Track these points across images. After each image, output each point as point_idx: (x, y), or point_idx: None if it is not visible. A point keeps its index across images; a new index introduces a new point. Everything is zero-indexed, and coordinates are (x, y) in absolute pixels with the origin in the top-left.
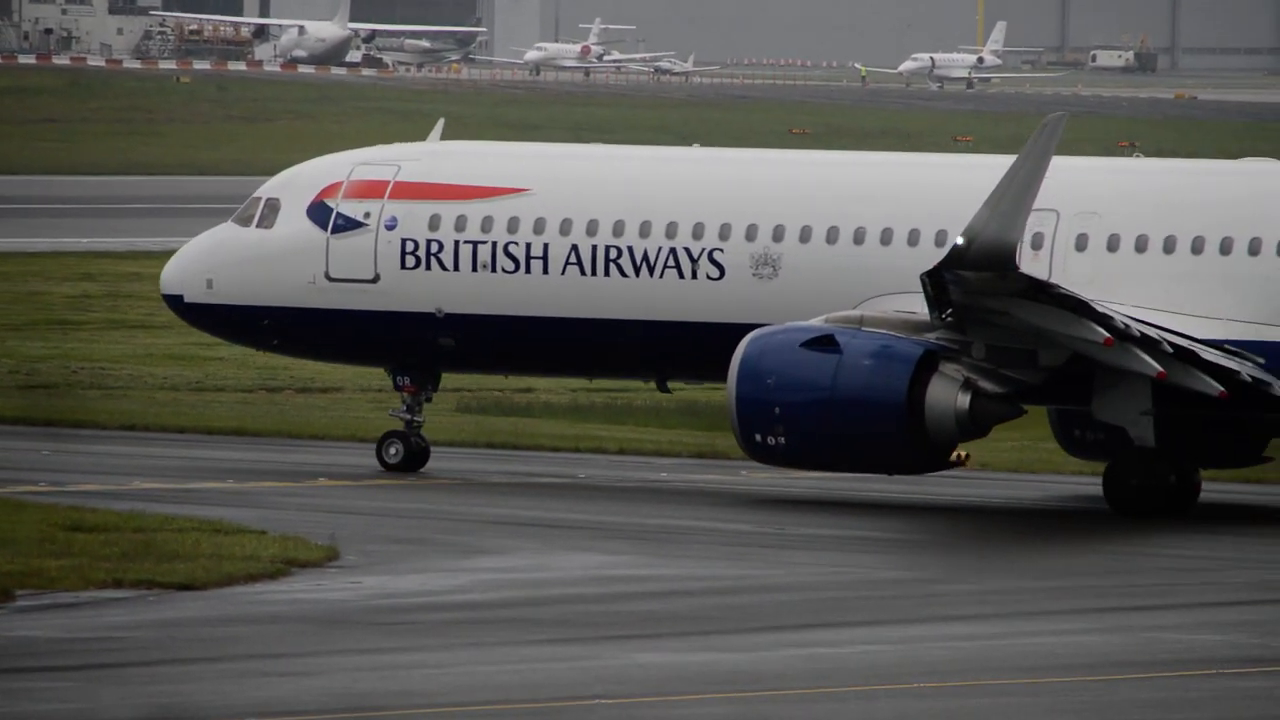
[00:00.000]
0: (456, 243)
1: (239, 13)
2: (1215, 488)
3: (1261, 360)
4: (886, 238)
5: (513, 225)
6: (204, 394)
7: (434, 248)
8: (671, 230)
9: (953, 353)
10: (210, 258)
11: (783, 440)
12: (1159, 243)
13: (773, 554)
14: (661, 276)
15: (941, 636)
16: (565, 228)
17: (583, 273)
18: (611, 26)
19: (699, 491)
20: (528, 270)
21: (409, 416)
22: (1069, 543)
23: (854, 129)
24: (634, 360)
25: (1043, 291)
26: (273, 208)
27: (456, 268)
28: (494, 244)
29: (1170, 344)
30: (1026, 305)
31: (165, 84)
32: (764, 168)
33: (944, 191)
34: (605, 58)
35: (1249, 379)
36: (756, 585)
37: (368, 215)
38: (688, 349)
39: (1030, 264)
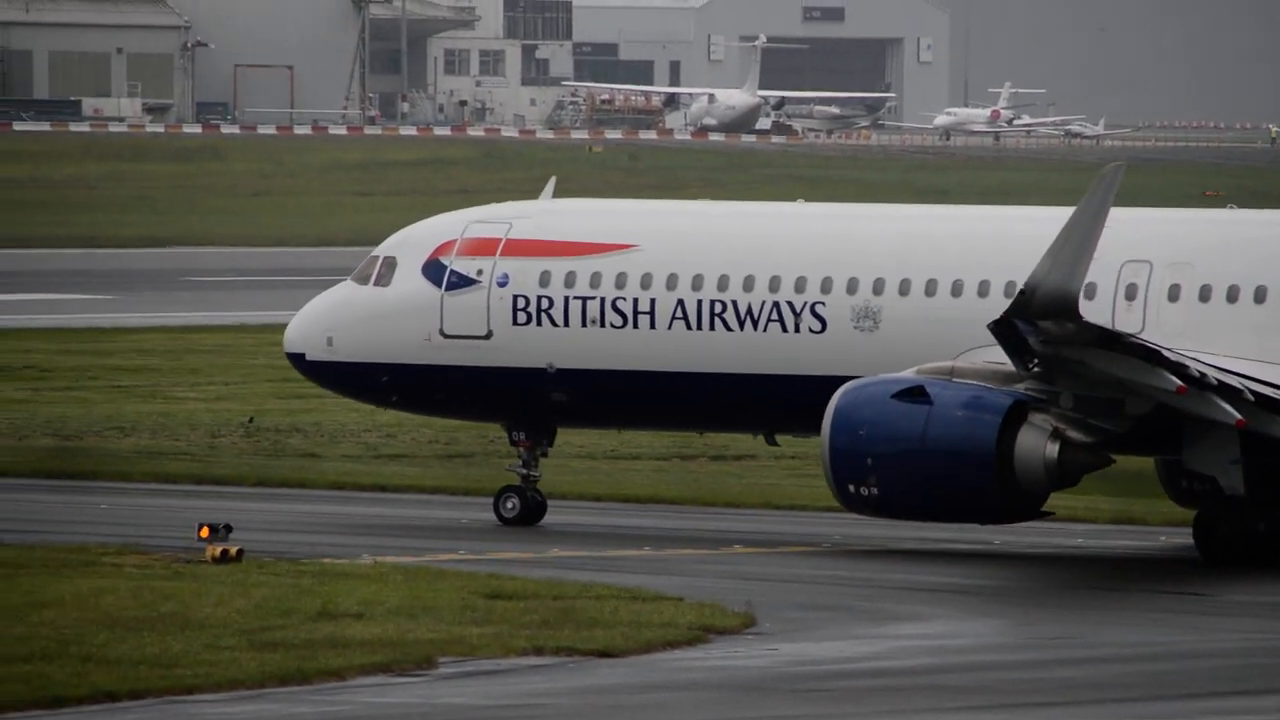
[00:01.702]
0: (566, 299)
1: (650, 82)
2: None
3: None
4: (984, 289)
5: (620, 281)
6: (619, 462)
7: (544, 304)
8: (774, 284)
9: (1042, 403)
10: (330, 316)
11: (875, 490)
12: (1250, 293)
13: (1194, 620)
14: (765, 330)
15: None
16: (671, 283)
17: (688, 327)
18: (1021, 90)
19: (1116, 557)
20: (635, 325)
21: (525, 471)
22: None
23: (1268, 190)
24: (740, 413)
25: (1115, 341)
26: (390, 266)
27: (566, 323)
28: (602, 300)
29: (1252, 392)
30: (1102, 355)
31: (578, 153)
32: (864, 222)
33: (1043, 244)
34: (1015, 122)
35: None
36: (1179, 652)
37: (480, 272)
38: (791, 401)
39: (1124, 315)
